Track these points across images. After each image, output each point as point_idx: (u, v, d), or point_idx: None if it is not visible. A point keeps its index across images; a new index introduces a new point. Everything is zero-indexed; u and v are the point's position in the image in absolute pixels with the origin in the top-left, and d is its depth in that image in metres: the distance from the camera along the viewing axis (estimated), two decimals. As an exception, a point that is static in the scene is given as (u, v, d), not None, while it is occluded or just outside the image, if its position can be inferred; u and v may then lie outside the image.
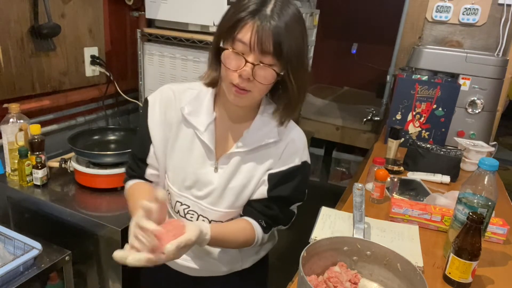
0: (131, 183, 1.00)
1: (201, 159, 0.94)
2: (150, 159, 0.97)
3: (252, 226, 0.94)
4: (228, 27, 0.80)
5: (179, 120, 0.94)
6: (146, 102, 0.97)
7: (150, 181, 1.00)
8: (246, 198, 0.95)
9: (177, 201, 0.98)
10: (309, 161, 0.96)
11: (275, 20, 0.76)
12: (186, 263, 1.02)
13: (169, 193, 0.99)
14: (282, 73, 0.81)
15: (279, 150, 0.93)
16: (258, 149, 0.92)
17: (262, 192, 0.93)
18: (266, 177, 0.93)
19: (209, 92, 0.94)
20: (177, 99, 0.95)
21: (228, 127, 0.94)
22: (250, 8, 0.77)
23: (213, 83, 0.92)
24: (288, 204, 0.98)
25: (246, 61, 0.78)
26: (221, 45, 0.83)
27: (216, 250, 1.01)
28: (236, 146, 0.92)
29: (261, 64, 0.79)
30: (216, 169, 0.93)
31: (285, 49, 0.77)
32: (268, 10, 0.77)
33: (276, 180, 0.93)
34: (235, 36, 0.79)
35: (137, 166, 1.00)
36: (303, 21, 0.82)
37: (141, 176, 1.00)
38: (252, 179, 0.93)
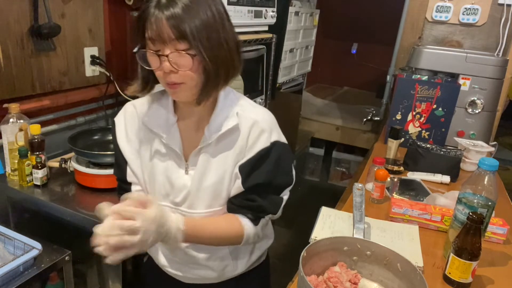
0: None
1: (171, 164, 0.92)
2: (129, 177, 0.97)
3: (238, 219, 0.92)
4: (137, 31, 0.80)
5: (144, 132, 0.93)
6: (113, 123, 0.97)
7: None
8: (224, 196, 0.92)
9: None
10: (282, 140, 0.90)
11: (170, 7, 0.75)
12: (175, 271, 1.01)
13: None
14: (196, 54, 0.78)
15: (244, 136, 0.89)
16: (222, 138, 0.89)
17: (238, 186, 0.90)
18: (237, 170, 0.89)
19: (168, 97, 0.92)
20: (138, 112, 0.94)
21: (192, 128, 0.92)
22: (149, 5, 0.77)
23: (138, 91, 0.90)
24: (269, 190, 0.91)
25: (160, 56, 0.78)
26: (135, 50, 0.82)
27: (202, 255, 0.97)
28: (200, 143, 0.89)
29: (175, 52, 0.77)
30: (186, 170, 0.91)
31: (187, 29, 0.75)
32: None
33: (248, 169, 0.88)
34: (144, 37, 0.79)
35: (121, 189, 1.00)
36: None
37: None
38: (225, 174, 0.90)
